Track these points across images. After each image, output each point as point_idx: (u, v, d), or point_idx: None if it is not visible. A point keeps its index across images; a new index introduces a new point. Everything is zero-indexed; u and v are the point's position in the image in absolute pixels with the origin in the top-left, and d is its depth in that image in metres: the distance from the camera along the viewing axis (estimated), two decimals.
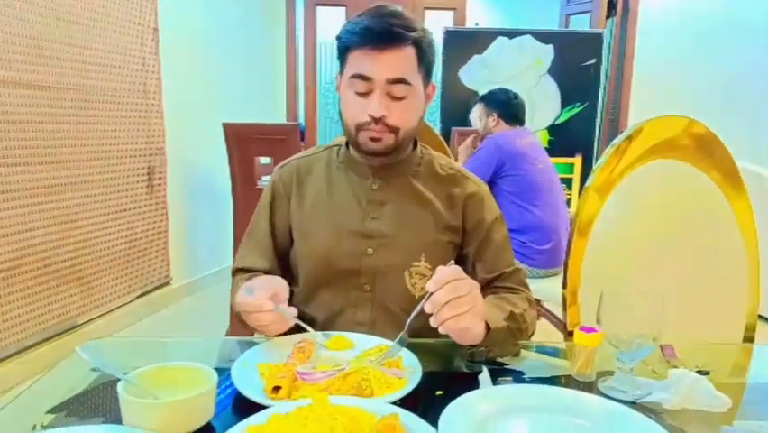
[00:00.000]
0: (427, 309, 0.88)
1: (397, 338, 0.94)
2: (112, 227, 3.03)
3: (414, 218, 1.18)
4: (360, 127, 1.12)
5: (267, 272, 1.20)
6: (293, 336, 1.03)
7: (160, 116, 3.32)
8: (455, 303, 0.88)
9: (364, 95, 1.09)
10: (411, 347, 0.96)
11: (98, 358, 0.81)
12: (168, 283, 3.52)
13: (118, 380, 0.75)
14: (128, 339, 1.12)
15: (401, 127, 1.11)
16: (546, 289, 2.40)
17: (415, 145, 1.24)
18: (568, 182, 4.24)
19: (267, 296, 0.98)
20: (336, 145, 1.27)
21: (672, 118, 1.26)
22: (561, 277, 1.38)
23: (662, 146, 1.25)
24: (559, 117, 4.40)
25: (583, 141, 4.40)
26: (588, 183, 1.32)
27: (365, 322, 1.15)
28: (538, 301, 2.45)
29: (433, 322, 0.89)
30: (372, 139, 1.11)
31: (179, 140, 3.47)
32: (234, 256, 1.31)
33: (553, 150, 3.61)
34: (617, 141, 1.26)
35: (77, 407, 0.84)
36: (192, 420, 0.74)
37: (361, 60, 1.08)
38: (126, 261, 3.15)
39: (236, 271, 1.26)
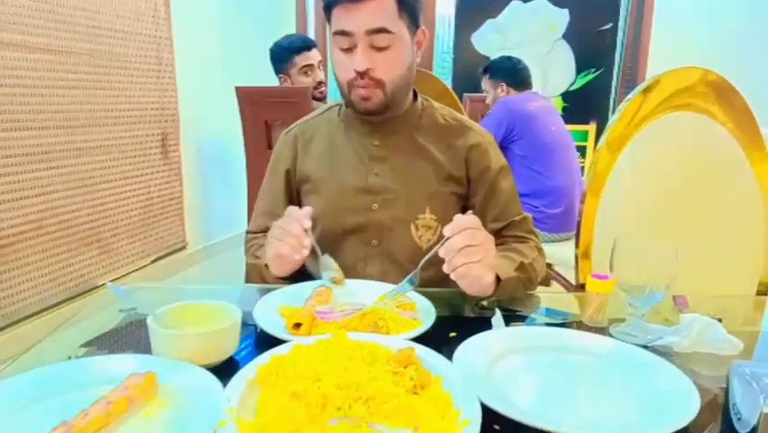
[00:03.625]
0: (441, 254, 0.91)
1: (410, 275, 0.96)
2: (127, 192, 3.07)
3: (416, 171, 1.20)
4: (350, 85, 1.13)
5: None
6: (311, 282, 1.06)
7: (173, 82, 3.33)
8: (469, 251, 0.90)
9: (348, 50, 1.10)
10: (424, 296, 0.98)
11: (127, 296, 0.84)
12: (183, 248, 3.57)
13: (143, 321, 0.78)
14: (151, 286, 1.14)
15: (386, 79, 1.12)
16: (558, 253, 2.41)
17: (415, 98, 1.24)
18: (582, 150, 4.21)
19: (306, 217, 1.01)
20: (337, 105, 1.29)
21: (690, 68, 1.25)
22: (572, 241, 1.39)
23: (679, 96, 1.24)
24: (573, 84, 4.34)
25: (598, 108, 4.35)
26: (601, 141, 1.32)
27: (375, 276, 1.17)
28: (549, 265, 2.46)
29: (445, 268, 0.91)
30: (363, 98, 1.13)
31: (192, 105, 3.48)
32: (248, 221, 1.34)
33: (566, 117, 3.58)
34: (632, 93, 1.25)
35: (107, 342, 0.87)
36: (218, 352, 0.77)
37: (342, 16, 1.08)
38: (142, 225, 3.20)
39: (250, 234, 1.30)
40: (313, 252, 1.04)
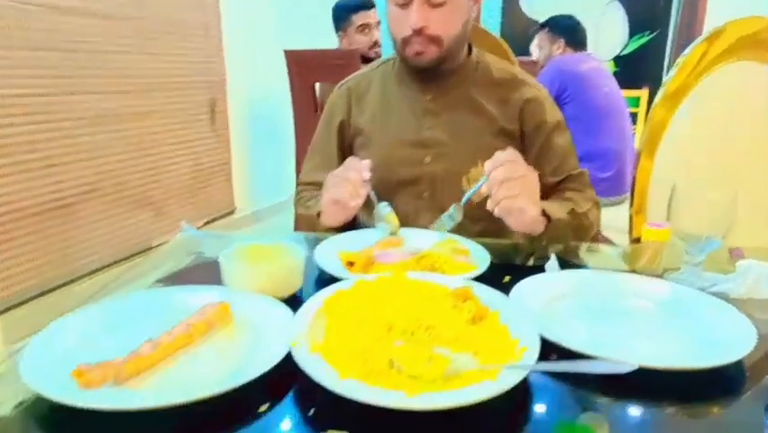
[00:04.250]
0: (484, 191, 0.92)
1: (449, 210, 1.00)
2: (177, 156, 3.16)
3: (469, 125, 1.20)
4: (405, 42, 1.13)
5: None
6: (368, 230, 1.09)
7: (220, 48, 3.38)
8: (510, 184, 0.92)
9: (404, 6, 1.10)
10: (478, 244, 1.00)
11: (198, 237, 0.89)
12: (232, 212, 3.68)
13: (212, 263, 0.82)
14: (217, 233, 1.19)
15: (443, 35, 1.12)
16: (607, 218, 2.38)
17: (470, 52, 1.24)
18: (633, 116, 4.09)
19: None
20: (391, 59, 1.29)
21: (754, 17, 1.20)
22: (623, 206, 1.38)
23: (743, 45, 1.20)
24: (625, 47, 4.20)
25: (651, 72, 4.21)
26: (657, 96, 1.30)
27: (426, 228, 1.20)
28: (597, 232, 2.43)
29: (489, 204, 0.93)
30: (417, 54, 1.13)
31: (240, 70, 3.53)
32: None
33: (618, 82, 3.49)
34: (692, 45, 1.22)
35: (179, 280, 0.93)
36: (285, 286, 0.82)
37: None
38: (192, 189, 3.31)
39: (301, 186, 1.33)
40: (367, 204, 1.07)
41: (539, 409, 0.62)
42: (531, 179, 0.95)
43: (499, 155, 0.93)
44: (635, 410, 0.62)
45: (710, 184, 1.26)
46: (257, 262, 0.84)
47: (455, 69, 1.21)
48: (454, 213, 0.98)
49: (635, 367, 0.57)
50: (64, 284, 2.49)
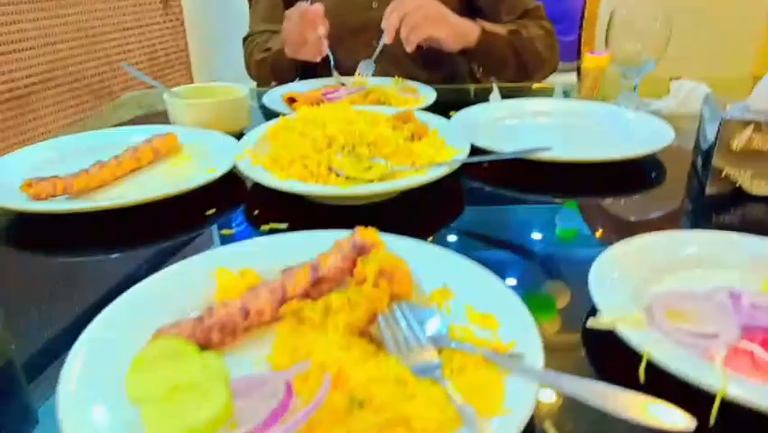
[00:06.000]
0: (387, 40, 0.96)
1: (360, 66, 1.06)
2: (131, 45, 3.02)
3: None
4: None
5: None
6: (318, 80, 1.10)
7: None
8: (407, 21, 0.96)
9: None
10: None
11: (141, 75, 0.89)
12: None
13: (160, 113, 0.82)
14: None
15: None
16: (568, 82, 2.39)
17: None
18: None
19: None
20: None
21: None
22: None
23: None
24: None
25: None
26: None
27: (377, 75, 1.20)
28: None
29: (406, 47, 0.98)
30: None
31: None
32: None
33: None
34: None
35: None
36: (230, 121, 0.84)
37: None
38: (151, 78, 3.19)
39: (252, 36, 1.29)
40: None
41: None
42: (428, 5, 0.99)
43: (388, 8, 0.96)
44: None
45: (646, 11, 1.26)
46: (202, 98, 0.84)
47: None
48: (366, 69, 1.00)
49: (550, 148, 0.62)
50: None
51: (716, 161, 0.62)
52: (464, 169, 0.70)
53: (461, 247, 0.58)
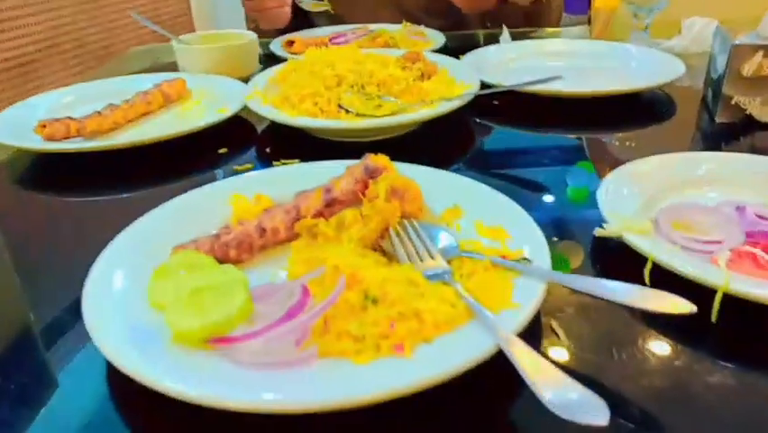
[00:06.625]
0: None
1: None
2: (134, 9, 2.99)
3: None
4: None
5: None
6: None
7: None
8: None
9: None
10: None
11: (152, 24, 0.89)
12: None
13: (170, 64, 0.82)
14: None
15: None
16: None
17: None
18: None
19: None
20: None
21: None
22: None
23: None
24: None
25: None
26: None
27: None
28: None
29: None
30: None
31: None
32: None
33: None
34: None
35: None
36: (239, 66, 0.84)
37: None
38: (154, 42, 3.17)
39: None
40: None
41: None
42: None
43: None
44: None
45: None
46: (210, 43, 0.84)
47: None
48: None
49: (561, 77, 0.62)
50: None
51: (726, 88, 0.62)
52: (475, 107, 0.70)
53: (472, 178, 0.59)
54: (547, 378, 0.26)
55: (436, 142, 0.66)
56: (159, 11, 3.18)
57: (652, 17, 0.93)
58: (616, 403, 0.25)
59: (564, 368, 0.27)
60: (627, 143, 0.66)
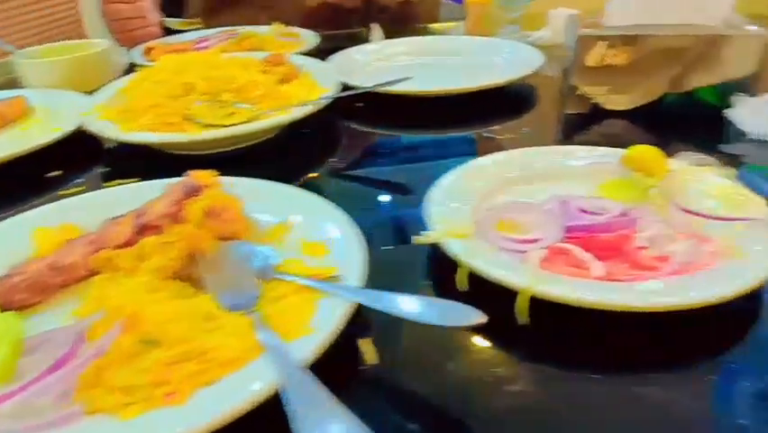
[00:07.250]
0: None
1: None
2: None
3: None
4: None
5: None
6: None
7: None
8: None
9: None
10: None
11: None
12: None
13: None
14: None
15: None
16: None
17: None
18: None
19: None
20: None
21: None
22: None
23: None
24: None
25: None
26: None
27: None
28: None
29: None
30: None
31: None
32: None
33: None
34: None
35: None
36: (87, 79, 0.77)
37: None
38: None
39: None
40: None
41: None
42: None
43: None
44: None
45: None
46: (59, 56, 0.78)
47: None
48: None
49: (410, 78, 0.61)
50: None
51: (573, 79, 0.63)
52: (341, 111, 0.68)
53: (329, 187, 0.57)
54: (323, 413, 0.24)
55: (299, 149, 0.64)
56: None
57: (520, 10, 0.95)
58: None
59: (372, 390, 0.25)
60: (494, 139, 0.66)
